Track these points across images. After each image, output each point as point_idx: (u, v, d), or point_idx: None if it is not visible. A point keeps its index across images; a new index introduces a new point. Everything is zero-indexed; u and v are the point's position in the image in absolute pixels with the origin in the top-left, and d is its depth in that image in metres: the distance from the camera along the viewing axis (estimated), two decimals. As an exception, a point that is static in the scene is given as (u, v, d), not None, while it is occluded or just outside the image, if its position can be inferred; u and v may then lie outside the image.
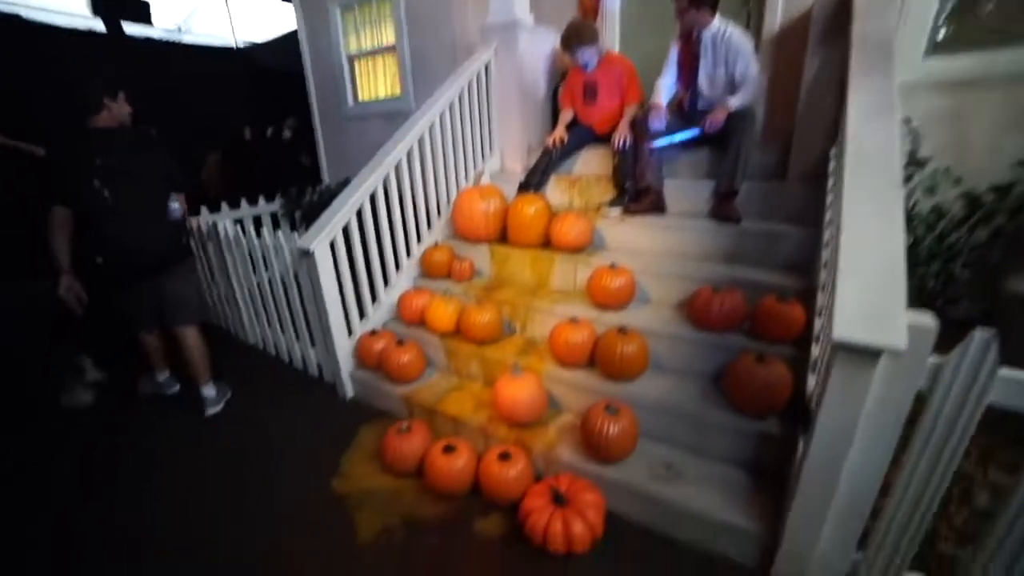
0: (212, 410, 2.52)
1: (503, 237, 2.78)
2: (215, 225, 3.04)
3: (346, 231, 2.44)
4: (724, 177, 2.38)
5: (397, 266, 2.75)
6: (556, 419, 2.06)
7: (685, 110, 2.66)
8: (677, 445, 1.85)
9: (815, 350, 1.71)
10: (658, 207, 2.58)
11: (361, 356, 2.48)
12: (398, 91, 4.38)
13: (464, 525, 1.75)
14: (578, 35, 2.75)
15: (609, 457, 1.76)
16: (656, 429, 1.87)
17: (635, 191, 2.62)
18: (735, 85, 2.47)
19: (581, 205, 2.95)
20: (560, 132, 2.96)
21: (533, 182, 2.93)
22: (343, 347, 2.50)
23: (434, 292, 2.61)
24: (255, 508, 1.87)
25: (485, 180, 3.18)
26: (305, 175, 5.24)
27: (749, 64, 2.39)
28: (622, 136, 2.67)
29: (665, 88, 2.65)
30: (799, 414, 1.42)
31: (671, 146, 2.59)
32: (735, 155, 2.33)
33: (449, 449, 1.85)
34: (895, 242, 1.22)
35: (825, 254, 1.93)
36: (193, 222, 3.17)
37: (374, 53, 4.49)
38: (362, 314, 2.62)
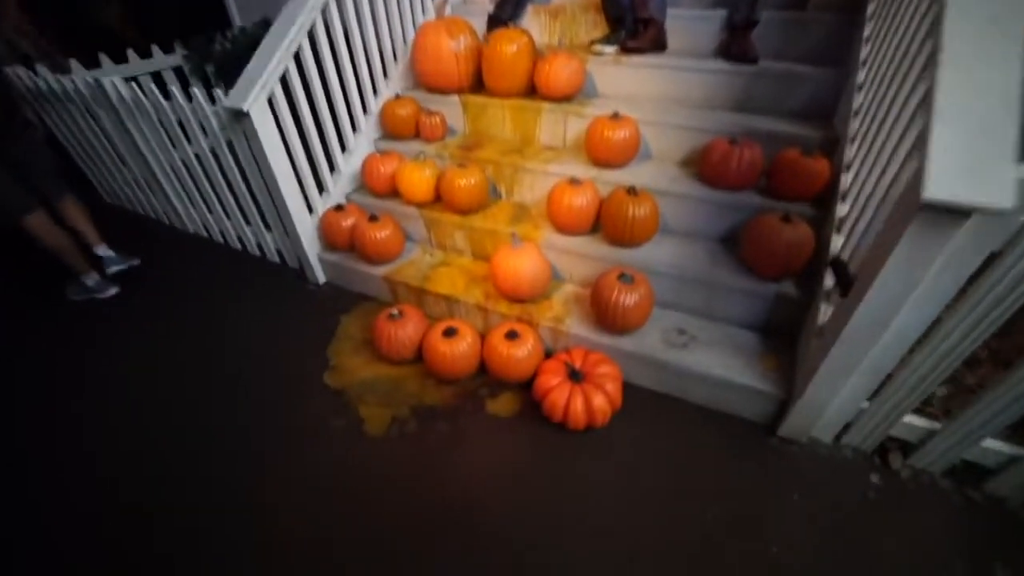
0: (114, 268, 2.42)
1: (477, 85, 2.34)
2: (99, 84, 2.34)
3: (285, 84, 1.93)
4: (741, 4, 2.00)
5: (354, 127, 2.30)
6: (559, 290, 1.93)
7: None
8: (689, 311, 1.80)
9: (841, 209, 1.60)
10: (659, 44, 2.20)
11: (328, 236, 2.17)
12: None
13: (476, 408, 1.69)
14: None
15: (624, 328, 1.68)
16: (667, 295, 1.80)
17: (633, 24, 2.19)
18: None
19: (565, 43, 2.49)
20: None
21: (506, 14, 2.41)
22: (305, 228, 2.16)
23: (403, 155, 2.23)
24: (249, 415, 1.71)
25: (447, 12, 2.58)
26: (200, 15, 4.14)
27: None
28: None
29: None
30: (838, 276, 1.34)
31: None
32: (756, -23, 1.93)
33: (450, 333, 1.71)
34: (1010, 79, 1.02)
35: (859, 99, 1.72)
36: (65, 82, 2.44)
37: None
38: (321, 188, 2.24)
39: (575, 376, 1.59)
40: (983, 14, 1.07)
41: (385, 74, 2.38)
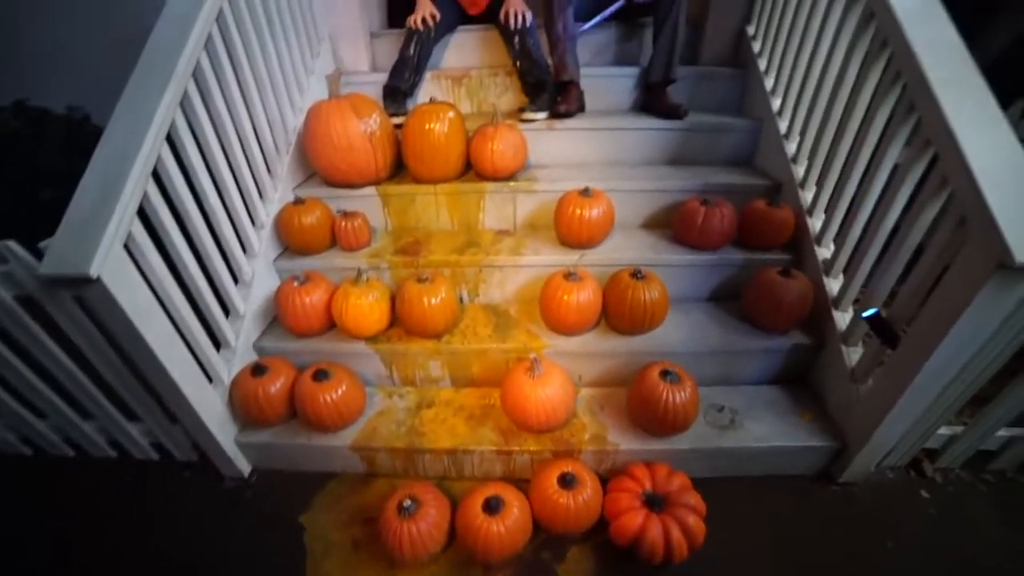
0: None
1: (394, 171, 1.95)
2: None
3: (144, 215, 1.29)
4: (659, 62, 2.02)
5: (244, 248, 1.69)
6: (578, 400, 1.66)
7: (591, -25, 2.10)
8: (713, 382, 1.69)
9: (823, 252, 1.67)
10: (582, 105, 2.11)
11: (249, 410, 1.52)
12: None
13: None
14: None
15: (681, 428, 1.49)
16: (693, 374, 1.67)
17: (556, 87, 2.06)
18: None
19: (473, 109, 2.25)
20: (429, 6, 2.07)
21: (405, 83, 2.07)
22: (209, 406, 1.48)
23: (325, 276, 1.71)
24: None
25: (317, 85, 2.11)
26: None
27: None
28: (518, 12, 2.00)
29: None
30: (881, 332, 1.36)
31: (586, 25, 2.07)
32: (672, 34, 1.96)
33: (494, 507, 1.30)
34: (1011, 141, 1.12)
35: (790, 146, 1.85)
36: None
37: None
38: (216, 343, 1.58)
39: (655, 504, 1.34)
40: (961, 79, 1.18)
41: (270, 172, 1.82)
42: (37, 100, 2.48)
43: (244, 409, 1.52)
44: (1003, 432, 1.52)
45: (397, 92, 2.05)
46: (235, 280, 1.65)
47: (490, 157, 1.79)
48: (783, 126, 1.90)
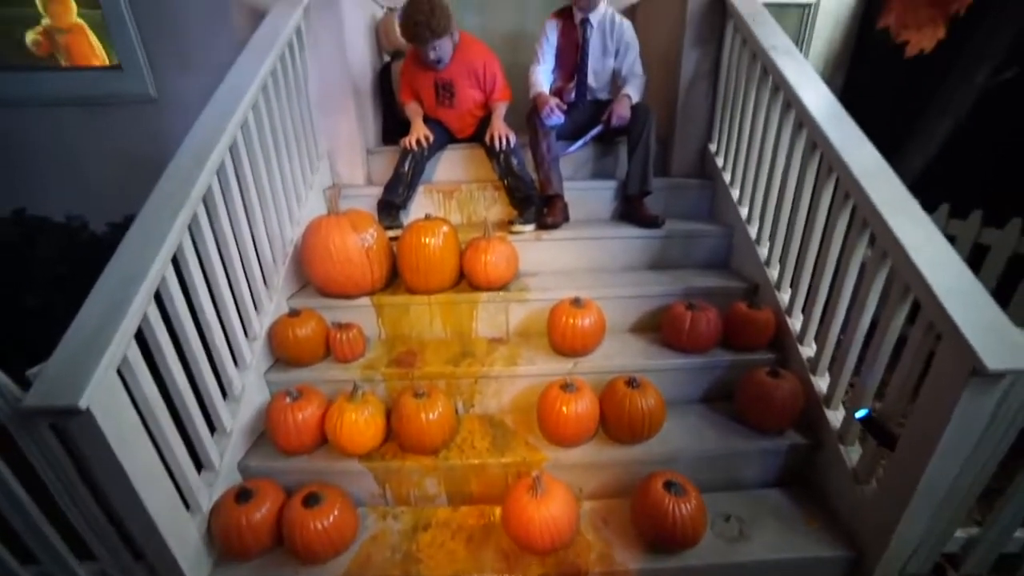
0: None
1: (388, 282, 2.00)
2: None
3: (141, 337, 1.28)
4: (635, 177, 2.22)
5: (236, 361, 1.66)
6: (581, 515, 1.59)
7: (569, 103, 2.36)
8: (713, 488, 1.64)
9: (806, 351, 1.74)
10: (566, 216, 2.26)
11: (231, 542, 1.40)
12: (109, 59, 2.59)
13: None
14: (429, 25, 2.02)
15: (686, 543, 1.43)
16: (694, 481, 1.63)
17: (542, 200, 2.22)
18: (619, 78, 2.31)
19: (464, 220, 2.38)
20: (423, 128, 2.26)
21: (399, 197, 2.20)
22: (184, 537, 1.35)
23: (317, 390, 1.68)
24: None
25: (315, 198, 2.22)
26: None
27: (637, 56, 2.26)
28: (502, 136, 2.20)
29: (544, 77, 2.29)
30: (879, 435, 1.39)
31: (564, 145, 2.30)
32: (645, 152, 2.18)
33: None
34: (952, 256, 1.25)
35: (762, 251, 1.99)
36: None
37: None
38: (198, 463, 1.49)
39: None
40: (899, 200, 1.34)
41: (266, 283, 1.85)
42: (38, 209, 2.57)
43: (224, 540, 1.40)
44: (1020, 533, 1.50)
45: (392, 206, 2.17)
46: (224, 394, 1.60)
47: (483, 269, 1.87)
48: (753, 232, 2.06)
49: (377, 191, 2.26)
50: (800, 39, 3.02)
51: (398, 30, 2.48)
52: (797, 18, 3.00)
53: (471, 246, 1.91)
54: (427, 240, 1.83)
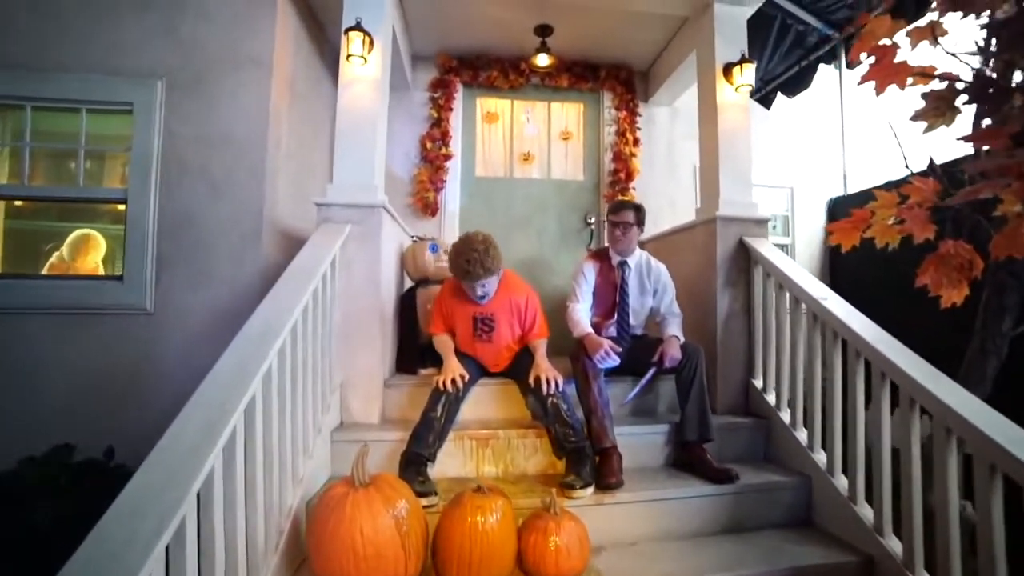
0: None
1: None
2: None
3: None
4: (693, 421, 1.99)
5: None
6: None
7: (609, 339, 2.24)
8: None
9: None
10: (619, 453, 1.93)
11: None
12: (112, 269, 2.39)
13: None
14: (483, 264, 1.96)
15: None
16: None
17: (596, 454, 1.90)
18: (657, 316, 2.28)
19: (498, 473, 1.98)
20: (458, 366, 2.01)
21: (428, 449, 1.82)
22: None
23: None
24: None
25: (323, 447, 1.79)
26: None
27: (674, 297, 2.27)
28: (550, 378, 1.97)
29: (586, 316, 2.22)
30: None
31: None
32: (700, 393, 2.01)
33: None
34: None
35: (864, 512, 1.70)
36: None
37: (55, 199, 2.38)
38: None
39: None
40: None
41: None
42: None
43: None
44: None
45: (420, 461, 1.77)
46: None
47: (554, 558, 1.42)
48: (841, 485, 1.80)
49: (393, 433, 1.91)
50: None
51: (429, 260, 2.44)
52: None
53: (532, 527, 1.48)
54: (483, 522, 1.40)
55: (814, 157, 3.78)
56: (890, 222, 1.19)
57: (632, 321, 2.29)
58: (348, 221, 2.07)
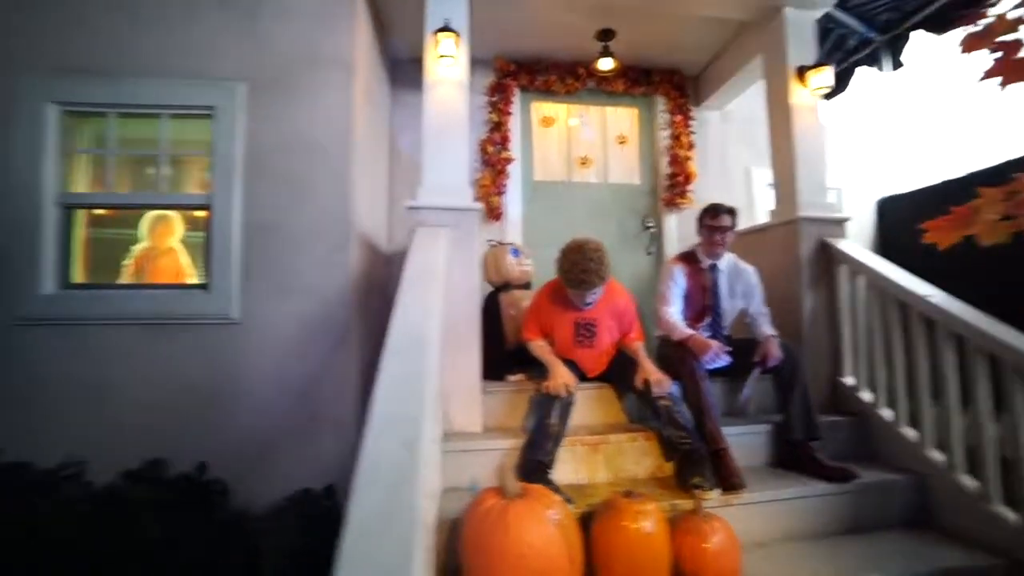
0: None
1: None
2: None
3: None
4: (799, 419, 1.97)
5: None
6: None
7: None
8: None
9: None
10: (736, 467, 1.91)
11: None
12: (192, 278, 2.29)
13: None
14: (599, 273, 1.94)
15: None
16: None
17: (711, 455, 1.87)
18: (746, 316, 2.28)
19: (611, 478, 1.94)
20: (566, 372, 1.96)
21: (548, 455, 1.78)
22: None
23: None
24: None
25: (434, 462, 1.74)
26: None
27: (763, 297, 2.27)
28: (660, 380, 1.93)
29: (681, 319, 2.20)
30: None
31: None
32: (803, 390, 1.99)
33: None
34: None
35: (1002, 511, 1.68)
36: None
37: (138, 206, 2.30)
38: None
39: None
40: None
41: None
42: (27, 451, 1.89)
43: None
44: None
45: (541, 468, 1.73)
46: None
47: (714, 561, 1.39)
48: (968, 482, 1.78)
49: (499, 442, 1.86)
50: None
51: (512, 264, 2.41)
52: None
53: (685, 530, 1.45)
54: (644, 528, 1.37)
55: (860, 158, 3.83)
56: (996, 218, 1.12)
57: (723, 322, 2.28)
58: (442, 224, 2.02)
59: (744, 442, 2.07)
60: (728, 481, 1.77)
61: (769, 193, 2.89)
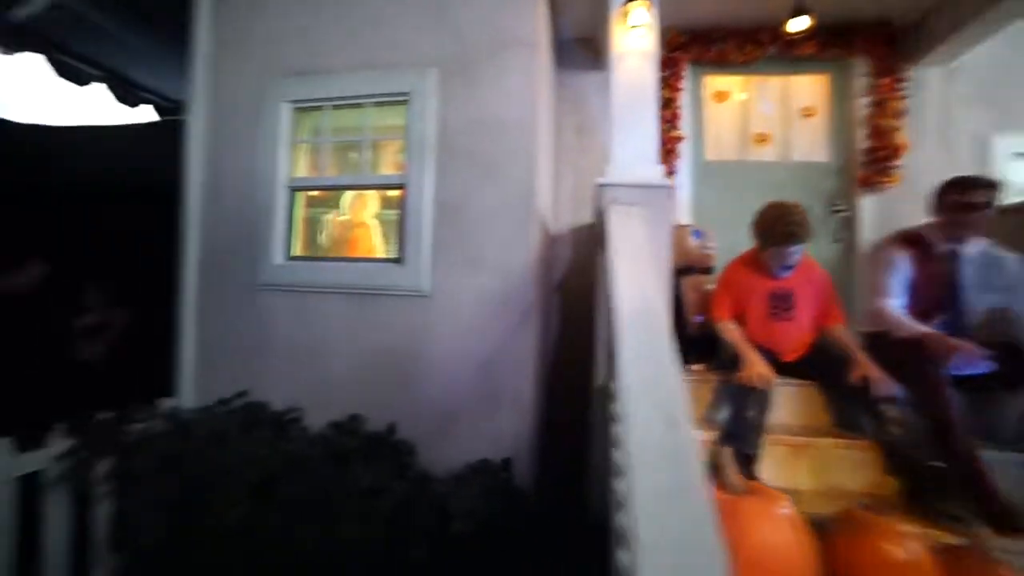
0: None
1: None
2: None
3: None
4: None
5: None
6: None
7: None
8: None
9: None
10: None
11: None
12: (388, 252, 2.51)
13: None
14: (805, 225, 1.84)
15: None
16: None
17: (963, 480, 1.55)
18: (1001, 323, 1.85)
19: (817, 487, 1.72)
20: (762, 362, 1.78)
21: (754, 449, 1.64)
22: None
23: None
24: None
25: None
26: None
27: (1031, 296, 1.83)
28: (878, 379, 1.66)
29: (906, 314, 1.87)
30: None
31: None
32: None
33: None
34: None
35: None
36: None
37: (344, 187, 2.60)
38: None
39: None
40: None
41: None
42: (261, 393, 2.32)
43: None
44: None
45: (749, 461, 1.60)
46: None
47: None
48: None
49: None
50: None
51: (694, 246, 2.26)
52: None
53: (962, 570, 1.21)
54: (902, 556, 1.17)
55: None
56: None
57: (967, 322, 1.89)
58: (633, 202, 1.94)
59: (1012, 474, 1.70)
60: (1002, 518, 1.45)
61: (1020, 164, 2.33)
